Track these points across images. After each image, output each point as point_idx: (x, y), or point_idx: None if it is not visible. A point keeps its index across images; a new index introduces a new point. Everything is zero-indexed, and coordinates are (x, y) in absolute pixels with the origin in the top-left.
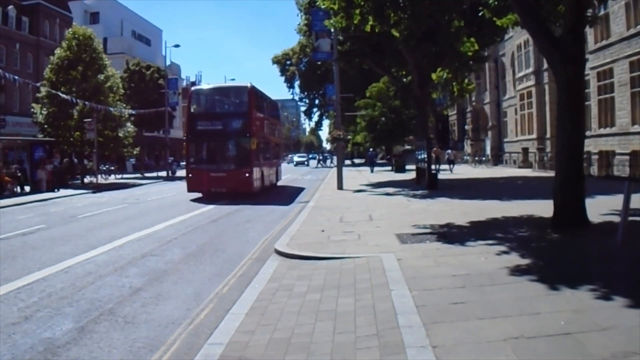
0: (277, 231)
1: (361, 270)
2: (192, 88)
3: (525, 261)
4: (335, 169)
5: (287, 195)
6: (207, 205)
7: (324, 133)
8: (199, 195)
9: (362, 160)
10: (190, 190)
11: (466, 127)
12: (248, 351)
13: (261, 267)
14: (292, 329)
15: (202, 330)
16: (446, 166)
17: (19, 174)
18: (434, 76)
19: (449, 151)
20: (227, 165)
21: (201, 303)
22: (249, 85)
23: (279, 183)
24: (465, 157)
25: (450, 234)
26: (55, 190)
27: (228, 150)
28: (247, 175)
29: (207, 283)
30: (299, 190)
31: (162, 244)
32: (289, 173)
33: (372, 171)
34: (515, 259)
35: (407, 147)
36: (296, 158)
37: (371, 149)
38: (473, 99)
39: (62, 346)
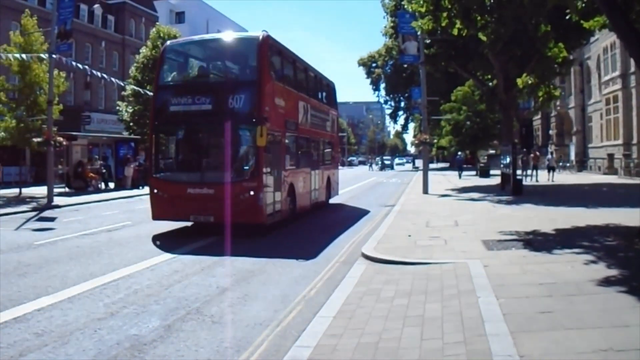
0: None
1: (448, 276)
2: (167, 43)
3: (612, 271)
4: (420, 173)
5: (330, 228)
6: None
7: (409, 136)
8: (179, 226)
9: (444, 165)
10: (157, 216)
11: (550, 132)
12: (335, 355)
13: (348, 270)
14: (379, 334)
15: (290, 333)
16: (543, 172)
17: (104, 171)
18: (519, 81)
19: (549, 156)
20: (217, 176)
21: (288, 305)
22: (261, 35)
23: (335, 199)
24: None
25: (536, 242)
26: (140, 187)
27: (220, 148)
28: (251, 193)
29: (295, 285)
30: (359, 215)
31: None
32: (374, 176)
33: (460, 176)
34: (602, 269)
35: (492, 151)
36: (382, 161)
37: (459, 153)
38: (557, 103)
39: (149, 343)
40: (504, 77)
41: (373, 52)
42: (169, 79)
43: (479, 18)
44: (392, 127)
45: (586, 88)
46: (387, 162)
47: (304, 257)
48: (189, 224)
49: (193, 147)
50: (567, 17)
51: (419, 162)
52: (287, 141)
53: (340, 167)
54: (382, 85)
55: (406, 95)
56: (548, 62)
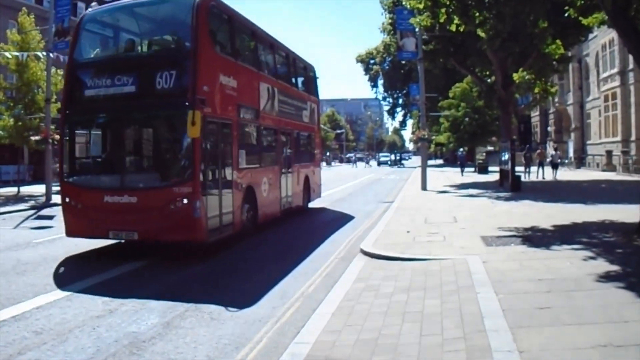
0: None
1: (447, 272)
2: (86, 12)
3: (611, 267)
4: (418, 169)
5: (298, 243)
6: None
7: (407, 133)
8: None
9: (441, 161)
10: (70, 232)
11: (549, 128)
12: (334, 351)
13: (347, 266)
14: (378, 330)
15: (288, 329)
16: (547, 170)
17: None
18: (515, 76)
19: (553, 152)
20: (141, 179)
21: (287, 302)
22: None
23: (321, 202)
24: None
25: (534, 238)
26: None
27: (146, 142)
28: (184, 201)
29: (293, 282)
30: (340, 222)
31: None
32: (373, 173)
33: (462, 174)
34: (601, 265)
35: (490, 148)
36: (380, 158)
37: (462, 150)
38: (556, 100)
39: (147, 340)
40: (502, 74)
41: (371, 49)
42: (86, 55)
43: (477, 14)
44: (391, 124)
45: (585, 85)
46: (385, 159)
47: (239, 303)
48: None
49: (112, 141)
50: (566, 14)
51: (416, 159)
52: (241, 132)
53: (336, 164)
54: (380, 82)
55: (404, 91)
56: (546, 59)
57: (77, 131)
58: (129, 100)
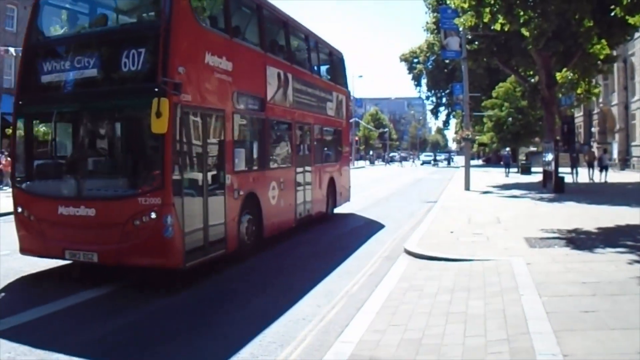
0: None
1: (490, 273)
2: None
3: None
4: (461, 169)
5: (307, 267)
6: None
7: (450, 132)
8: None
9: (485, 162)
10: (23, 249)
11: (593, 129)
12: (378, 350)
13: (391, 266)
14: (422, 330)
15: (333, 328)
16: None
17: None
18: (558, 76)
19: (603, 154)
20: (101, 186)
21: (332, 300)
22: None
23: (346, 207)
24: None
25: (578, 240)
26: None
27: (109, 139)
28: (151, 216)
29: (337, 280)
30: (367, 234)
31: None
32: (417, 172)
33: (507, 174)
34: None
35: (533, 148)
36: (423, 157)
37: (507, 150)
38: (600, 100)
39: (188, 338)
40: (546, 74)
41: (415, 48)
42: (43, 34)
43: (522, 13)
44: (434, 123)
45: (630, 85)
46: (427, 159)
47: None
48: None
49: (70, 139)
50: (612, 13)
51: (459, 159)
52: (238, 127)
53: (380, 163)
54: (424, 81)
55: (448, 91)
56: (591, 59)
57: (32, 125)
58: (91, 87)
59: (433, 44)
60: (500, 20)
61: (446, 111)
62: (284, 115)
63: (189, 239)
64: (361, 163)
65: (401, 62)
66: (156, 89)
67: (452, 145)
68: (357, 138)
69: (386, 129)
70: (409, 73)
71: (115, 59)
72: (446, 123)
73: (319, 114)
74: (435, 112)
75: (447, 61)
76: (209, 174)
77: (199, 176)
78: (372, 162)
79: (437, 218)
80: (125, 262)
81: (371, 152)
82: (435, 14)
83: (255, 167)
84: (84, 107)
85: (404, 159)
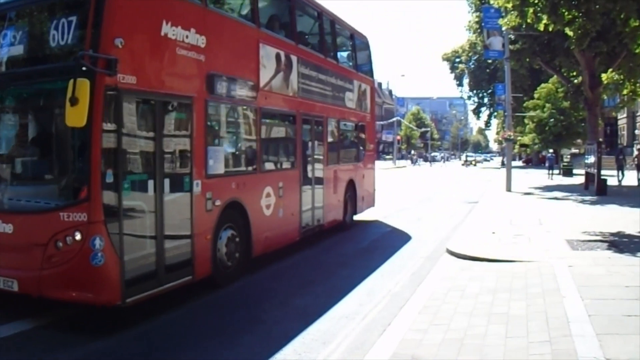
0: None
1: (532, 274)
2: None
3: None
4: (503, 170)
5: (294, 306)
6: None
7: (491, 133)
8: None
9: (521, 163)
10: None
11: (636, 131)
12: (421, 349)
13: (433, 266)
14: (464, 330)
15: (375, 326)
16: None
17: None
18: (604, 77)
19: None
20: (19, 196)
21: (374, 299)
22: None
23: (366, 215)
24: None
25: (621, 243)
26: None
27: (34, 134)
28: (76, 237)
29: (380, 279)
30: (387, 252)
31: None
32: (458, 172)
33: (550, 176)
34: None
35: (574, 150)
36: (464, 157)
37: (551, 152)
38: None
39: (238, 331)
40: (589, 74)
41: (457, 47)
42: None
43: (566, 13)
44: (475, 124)
45: None
46: (470, 159)
47: None
48: None
49: None
50: None
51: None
52: (214, 118)
53: (421, 163)
54: (466, 81)
55: (490, 91)
56: (636, 59)
57: None
58: (16, 66)
59: (475, 44)
60: (544, 20)
61: (488, 111)
62: (285, 106)
63: (131, 266)
64: (402, 163)
65: (443, 61)
66: (79, 67)
67: (493, 146)
68: (399, 137)
69: (428, 129)
70: (451, 72)
71: (43, 31)
72: (487, 123)
73: (334, 105)
74: (476, 112)
75: (489, 61)
76: (167, 180)
77: (149, 184)
78: (413, 162)
79: (478, 219)
80: (48, 295)
81: (413, 152)
82: (478, 14)
83: (240, 170)
84: (4, 94)
85: (447, 159)
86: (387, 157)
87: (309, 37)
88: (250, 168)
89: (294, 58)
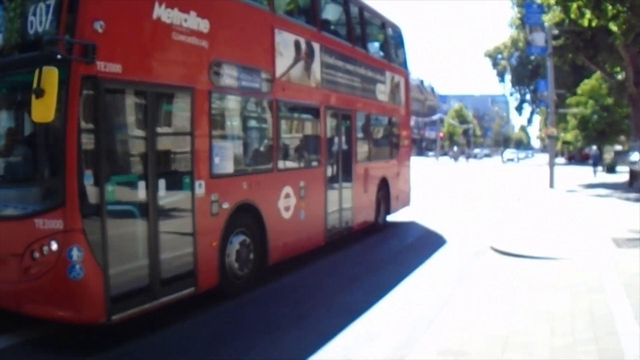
0: None
1: (577, 272)
2: None
3: None
4: (545, 167)
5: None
6: None
7: (533, 129)
8: None
9: (563, 160)
10: None
11: None
12: (466, 347)
13: (477, 263)
14: (509, 327)
15: (420, 323)
16: None
17: None
18: None
19: None
20: (2, 198)
21: (417, 296)
22: None
23: (402, 215)
24: None
25: None
26: None
27: (12, 131)
28: (52, 247)
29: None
30: (417, 258)
31: None
32: (500, 168)
33: (595, 173)
34: None
35: (618, 147)
36: (506, 154)
37: (595, 149)
38: None
39: (285, 326)
40: (634, 70)
41: (499, 44)
42: None
43: (610, 8)
44: (517, 120)
45: None
46: (511, 156)
47: None
48: None
49: None
50: None
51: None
52: (217, 111)
53: (463, 160)
54: (508, 77)
55: (532, 87)
56: None
57: None
58: None
59: (517, 40)
60: (588, 15)
61: (530, 108)
62: (307, 98)
63: (118, 279)
64: (445, 159)
65: (485, 57)
66: (46, 55)
67: (535, 143)
68: (441, 134)
69: (470, 125)
70: (493, 69)
71: (22, 16)
72: (529, 120)
73: (364, 98)
74: (519, 109)
75: (531, 57)
76: (162, 182)
77: (139, 186)
78: (456, 159)
79: (522, 216)
80: (27, 311)
81: (455, 148)
82: (520, 9)
83: (253, 169)
84: None
85: (487, 155)
86: (430, 153)
87: (336, 25)
88: (265, 166)
89: (316, 46)
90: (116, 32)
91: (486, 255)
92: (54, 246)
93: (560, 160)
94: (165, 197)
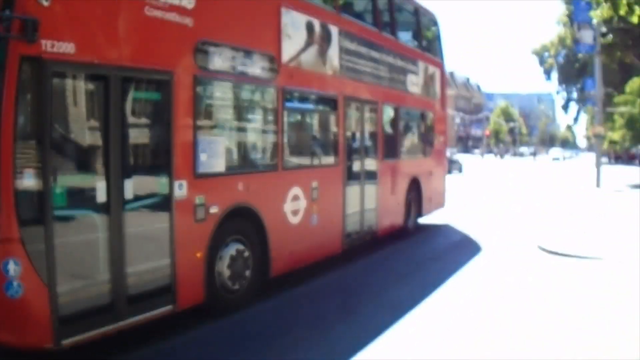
0: None
1: (626, 272)
2: None
3: None
4: (591, 166)
5: None
6: None
7: (580, 129)
8: None
9: (612, 159)
10: None
11: None
12: (522, 346)
13: (522, 262)
14: (561, 326)
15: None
16: None
17: None
18: None
19: None
20: None
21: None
22: None
23: (436, 217)
24: None
25: None
26: None
27: None
28: None
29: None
30: (447, 269)
31: None
32: (545, 167)
33: None
34: None
35: None
36: (552, 153)
37: None
38: None
39: (332, 321)
40: None
41: (546, 42)
42: None
43: None
44: (562, 119)
45: None
46: (557, 155)
47: None
48: None
49: None
50: None
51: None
52: (204, 99)
53: (509, 157)
54: (554, 76)
55: (579, 86)
56: None
57: None
58: None
59: (564, 38)
60: (638, 12)
61: (576, 107)
62: (321, 87)
63: (69, 297)
64: (490, 157)
65: (532, 55)
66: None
67: (581, 142)
68: (487, 132)
69: (516, 124)
70: (540, 67)
71: None
72: (576, 119)
73: (392, 89)
74: (565, 108)
75: (578, 55)
76: (128, 182)
77: (98, 187)
78: (502, 156)
79: (568, 215)
80: None
81: (501, 145)
82: (568, 6)
83: (252, 167)
84: None
85: (533, 154)
86: (476, 151)
87: (361, 8)
88: (267, 165)
89: (333, 29)
90: (68, 5)
91: (533, 254)
92: None
93: (607, 160)
94: (134, 201)
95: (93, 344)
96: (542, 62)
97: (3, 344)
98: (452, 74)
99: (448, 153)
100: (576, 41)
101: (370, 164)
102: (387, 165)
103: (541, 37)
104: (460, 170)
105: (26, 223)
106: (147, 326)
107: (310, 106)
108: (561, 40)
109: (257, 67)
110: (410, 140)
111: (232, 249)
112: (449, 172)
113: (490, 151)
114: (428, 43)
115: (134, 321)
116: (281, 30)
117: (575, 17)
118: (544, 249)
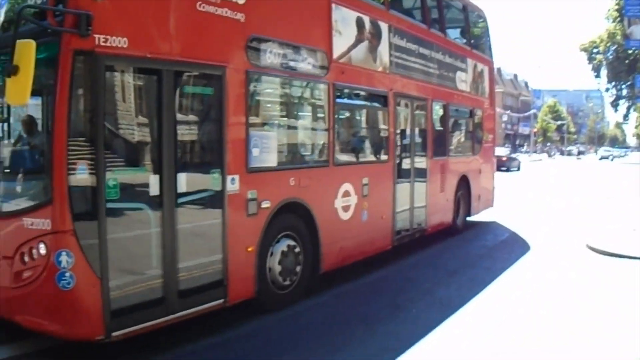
0: None
1: None
2: None
3: None
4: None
5: None
6: None
7: (630, 126)
8: None
9: None
10: None
11: None
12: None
13: (571, 261)
14: (608, 325)
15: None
16: None
17: None
18: None
19: None
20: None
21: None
22: None
23: (486, 215)
24: None
25: None
26: None
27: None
28: (40, 250)
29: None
30: (495, 268)
31: None
32: (592, 166)
33: None
34: None
35: None
36: (601, 152)
37: None
38: None
39: (382, 318)
40: None
41: (595, 38)
42: None
43: None
44: (612, 117)
45: None
46: (606, 154)
47: None
48: None
49: None
50: None
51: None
52: (256, 95)
53: (556, 156)
54: (604, 72)
55: (629, 83)
56: None
57: None
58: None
59: (614, 33)
60: None
61: (626, 104)
62: (372, 83)
63: (120, 290)
64: (538, 156)
65: (580, 52)
66: (20, 26)
67: (631, 141)
68: (535, 130)
69: (564, 122)
70: (589, 64)
71: None
72: (625, 117)
73: (442, 86)
74: (614, 105)
75: (629, 51)
76: (182, 176)
77: (151, 180)
78: (550, 155)
79: (617, 214)
80: (19, 321)
81: (549, 144)
82: (618, 1)
83: (303, 162)
84: None
85: (581, 152)
86: (523, 149)
87: (410, 5)
88: (319, 160)
89: (383, 26)
90: (121, 0)
91: (582, 254)
92: (42, 249)
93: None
94: (186, 195)
95: (144, 337)
96: (590, 58)
97: (54, 335)
98: (499, 70)
99: (506, 151)
100: (626, 37)
101: (420, 161)
102: (436, 163)
103: (589, 33)
104: (518, 168)
105: (79, 216)
106: (194, 320)
107: (360, 102)
108: (611, 36)
109: (307, 63)
110: (459, 138)
111: (284, 245)
112: (508, 169)
113: (537, 150)
114: (476, 40)
115: (184, 314)
116: (332, 26)
117: (626, 12)
118: (592, 248)
